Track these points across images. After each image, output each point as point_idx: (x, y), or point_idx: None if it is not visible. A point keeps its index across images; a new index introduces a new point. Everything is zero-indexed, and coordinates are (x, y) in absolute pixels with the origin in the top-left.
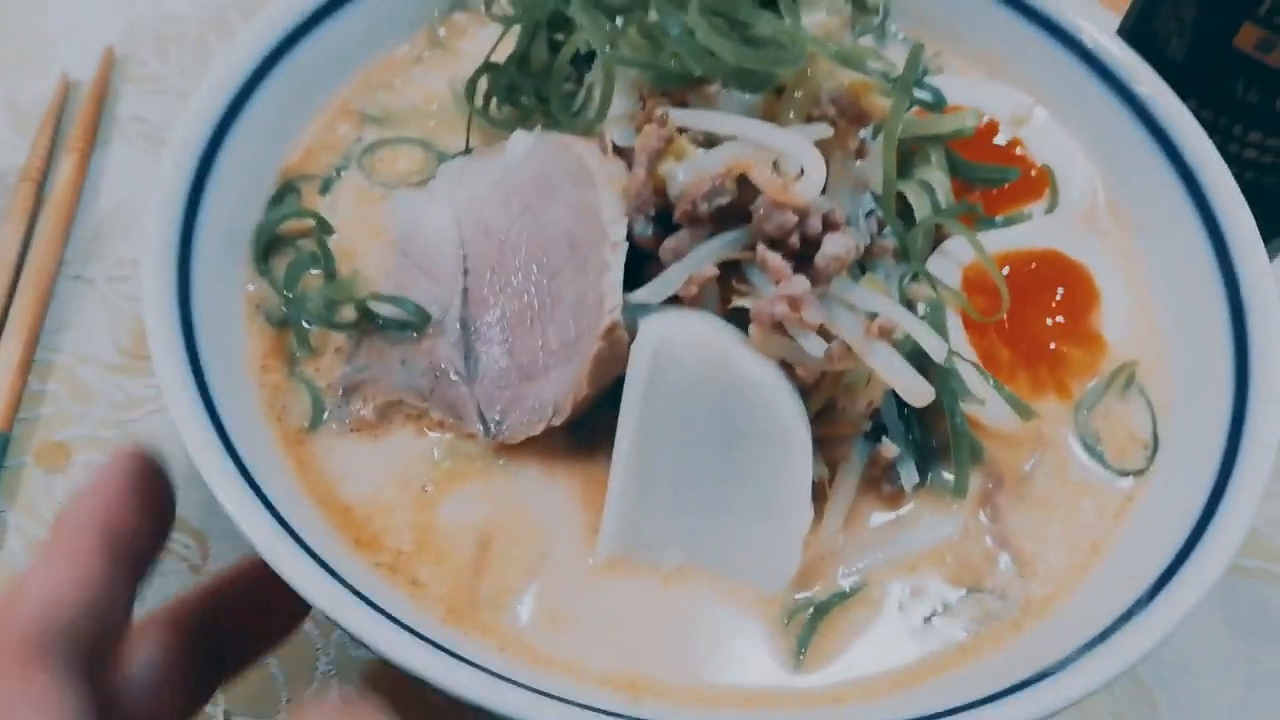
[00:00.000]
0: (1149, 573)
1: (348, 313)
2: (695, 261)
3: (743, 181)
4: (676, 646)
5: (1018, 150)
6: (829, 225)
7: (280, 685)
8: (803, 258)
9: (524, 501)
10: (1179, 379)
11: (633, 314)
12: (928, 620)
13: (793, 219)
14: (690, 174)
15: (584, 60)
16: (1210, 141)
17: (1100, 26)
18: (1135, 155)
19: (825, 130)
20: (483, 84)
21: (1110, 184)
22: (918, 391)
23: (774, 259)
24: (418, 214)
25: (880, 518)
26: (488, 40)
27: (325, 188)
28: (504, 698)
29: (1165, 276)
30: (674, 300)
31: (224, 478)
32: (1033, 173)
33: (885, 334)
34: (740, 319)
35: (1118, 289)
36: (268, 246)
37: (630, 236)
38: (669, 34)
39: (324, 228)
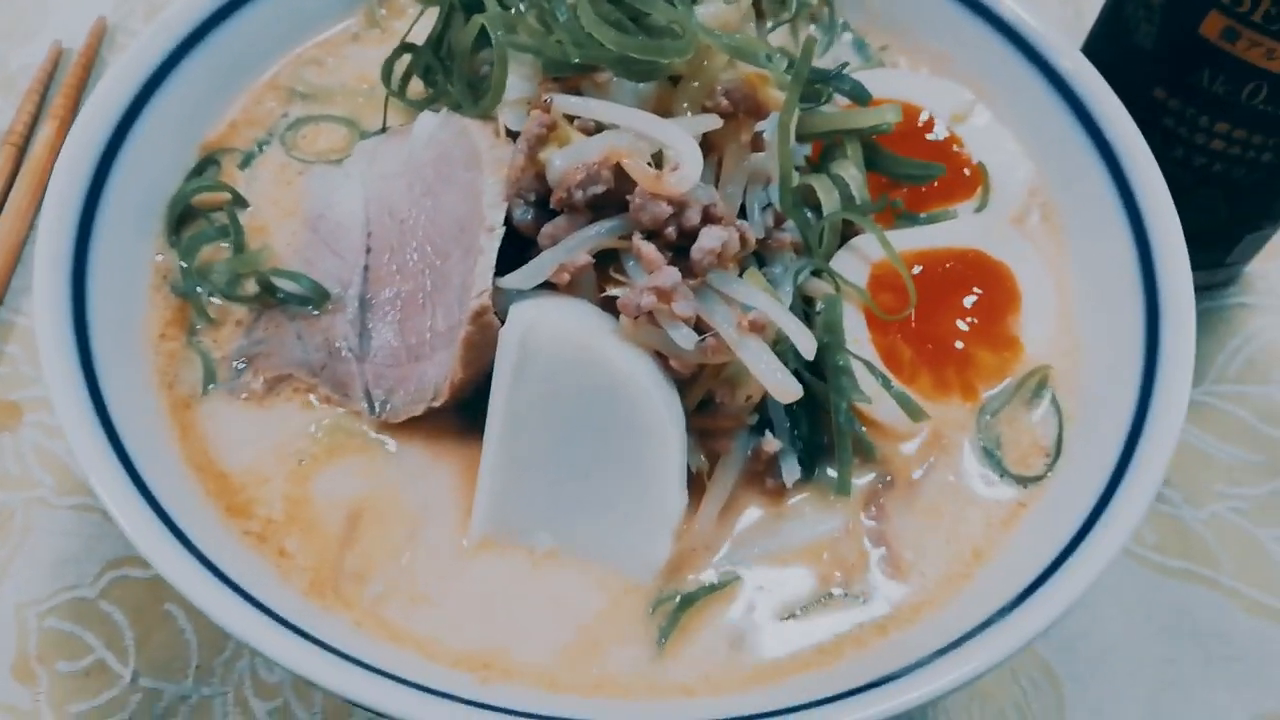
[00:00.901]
0: (1022, 581)
1: (250, 286)
2: (568, 249)
3: (622, 171)
4: (538, 629)
5: (955, 148)
6: (709, 218)
7: (192, 650)
8: (682, 250)
9: (403, 480)
10: (1091, 388)
11: (509, 299)
12: (790, 618)
13: (667, 210)
14: (567, 161)
15: None
16: (1149, 150)
17: (1049, 24)
18: (1074, 158)
19: (714, 121)
20: (403, 65)
21: (1046, 186)
22: (784, 389)
23: (648, 249)
24: (330, 192)
25: (760, 511)
26: (426, 21)
27: (246, 162)
28: (337, 676)
29: (1091, 283)
30: (550, 287)
31: (84, 434)
32: (966, 171)
33: (757, 329)
34: (616, 309)
35: (1042, 293)
36: (180, 218)
37: (510, 221)
38: (556, 18)
39: (238, 201)
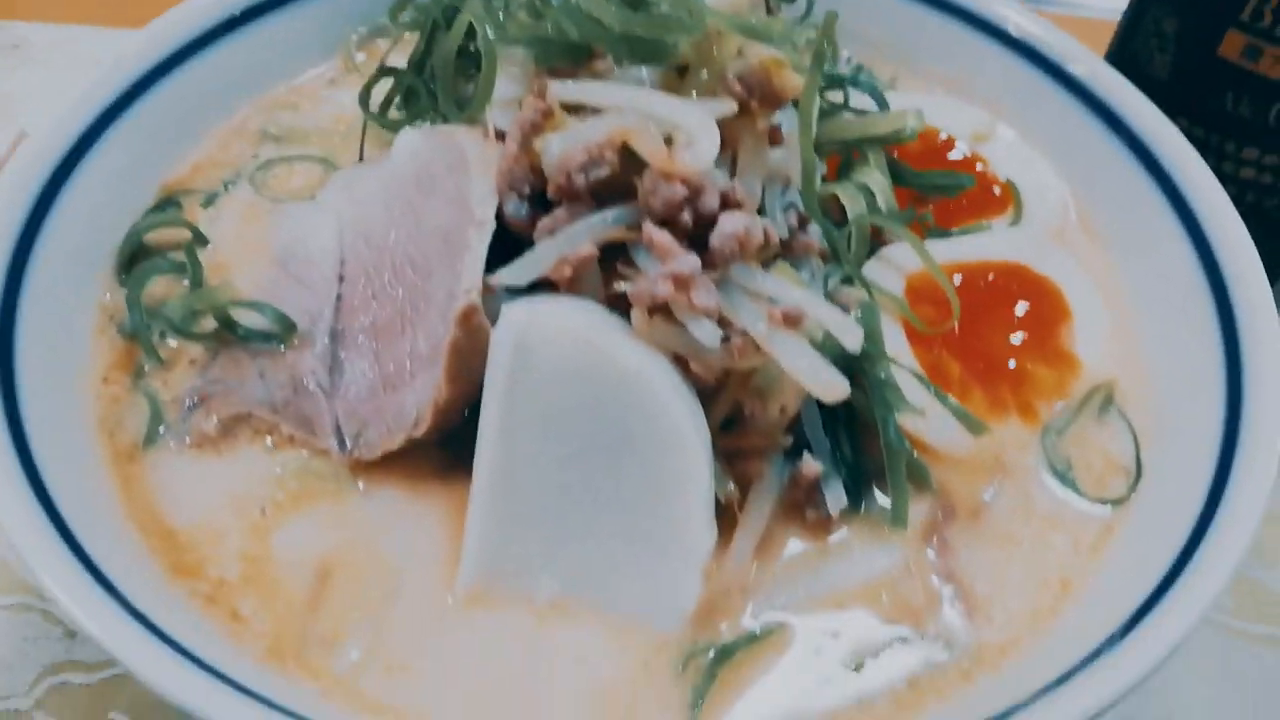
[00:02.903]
0: (1124, 611)
1: (208, 323)
2: (570, 238)
3: (628, 156)
4: (545, 695)
5: (978, 166)
6: (728, 204)
7: None
8: (699, 242)
9: (379, 528)
10: (1165, 401)
11: (501, 303)
12: (856, 669)
13: (681, 191)
14: (566, 144)
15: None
16: (1192, 147)
17: (1064, 36)
18: (1110, 169)
19: (728, 106)
20: (381, 92)
21: (1083, 201)
22: (828, 385)
23: (661, 236)
24: (301, 226)
25: (802, 547)
26: (401, 50)
27: (209, 201)
28: None
29: (1149, 294)
30: (548, 288)
31: (5, 481)
32: (995, 190)
33: (792, 322)
34: (627, 309)
35: (1092, 306)
36: (133, 257)
37: (502, 218)
38: (550, 3)
39: (198, 239)
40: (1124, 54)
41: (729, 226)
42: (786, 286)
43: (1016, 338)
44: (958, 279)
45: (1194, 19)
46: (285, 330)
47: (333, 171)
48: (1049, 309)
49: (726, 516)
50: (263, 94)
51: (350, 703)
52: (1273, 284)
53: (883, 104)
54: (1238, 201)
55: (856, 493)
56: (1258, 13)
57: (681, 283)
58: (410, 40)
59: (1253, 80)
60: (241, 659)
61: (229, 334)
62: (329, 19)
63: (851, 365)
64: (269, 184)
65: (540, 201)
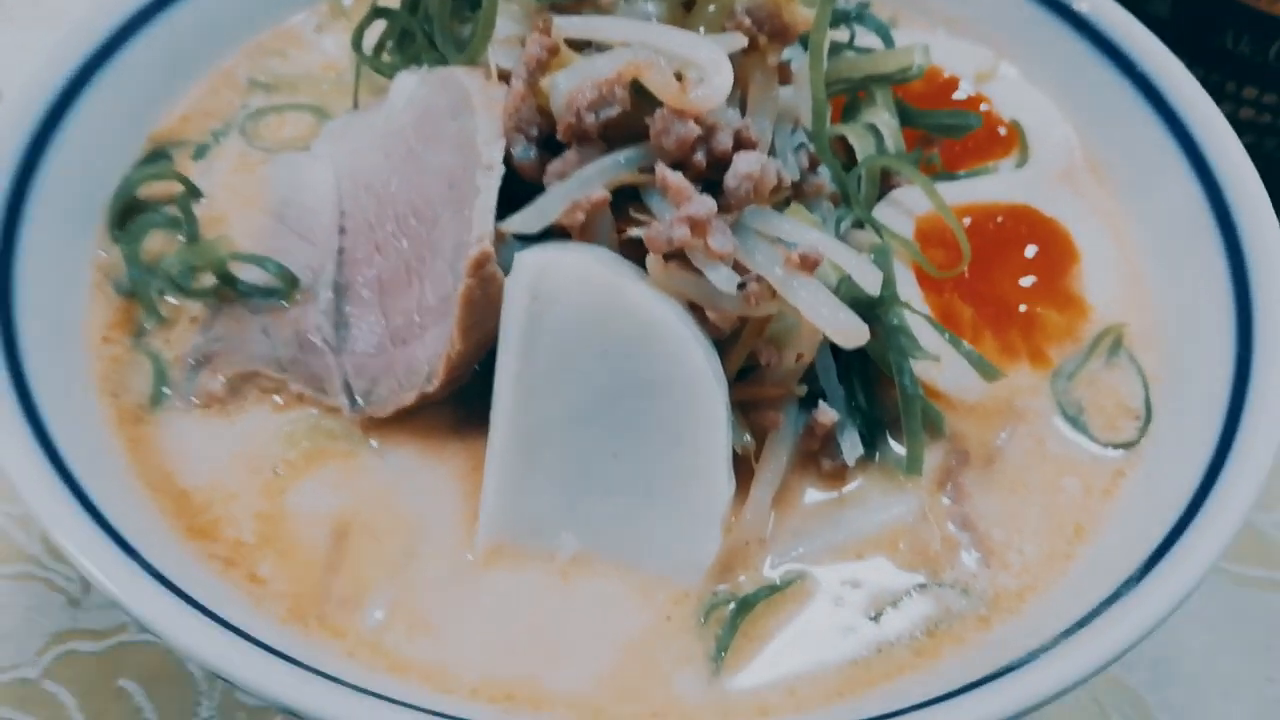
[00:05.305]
0: (1138, 554)
1: (207, 279)
2: (581, 181)
3: (640, 96)
4: (569, 650)
5: (983, 107)
6: (742, 143)
7: None
8: (714, 185)
9: (394, 487)
10: (1175, 343)
11: (511, 253)
12: (875, 618)
13: (695, 130)
14: (574, 80)
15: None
16: (1200, 87)
17: None
18: (1116, 108)
19: (738, 40)
20: (374, 36)
21: (1089, 141)
22: (848, 330)
23: (676, 179)
24: (297, 176)
25: (819, 497)
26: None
27: (200, 153)
28: (333, 702)
29: (1156, 236)
30: (561, 234)
31: (18, 445)
32: (1001, 130)
33: (809, 266)
34: (641, 255)
35: (1101, 249)
36: (125, 211)
37: (509, 162)
38: None
39: (192, 191)
40: None
41: (743, 166)
42: (802, 229)
43: (1026, 281)
44: (966, 221)
45: None
46: (287, 285)
47: (325, 121)
48: (1058, 252)
49: (743, 469)
50: (248, 40)
51: (374, 660)
52: None
53: (889, 41)
54: None
55: (871, 441)
56: None
57: (697, 226)
58: None
59: (1254, 17)
60: (264, 619)
61: (229, 290)
62: None
63: (864, 311)
64: (260, 134)
65: (549, 144)
